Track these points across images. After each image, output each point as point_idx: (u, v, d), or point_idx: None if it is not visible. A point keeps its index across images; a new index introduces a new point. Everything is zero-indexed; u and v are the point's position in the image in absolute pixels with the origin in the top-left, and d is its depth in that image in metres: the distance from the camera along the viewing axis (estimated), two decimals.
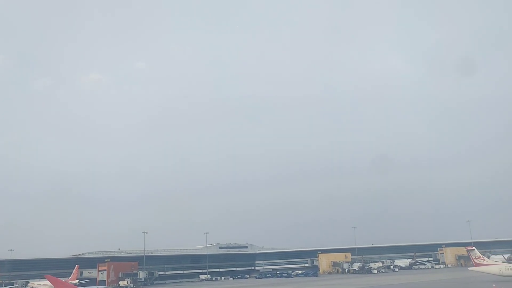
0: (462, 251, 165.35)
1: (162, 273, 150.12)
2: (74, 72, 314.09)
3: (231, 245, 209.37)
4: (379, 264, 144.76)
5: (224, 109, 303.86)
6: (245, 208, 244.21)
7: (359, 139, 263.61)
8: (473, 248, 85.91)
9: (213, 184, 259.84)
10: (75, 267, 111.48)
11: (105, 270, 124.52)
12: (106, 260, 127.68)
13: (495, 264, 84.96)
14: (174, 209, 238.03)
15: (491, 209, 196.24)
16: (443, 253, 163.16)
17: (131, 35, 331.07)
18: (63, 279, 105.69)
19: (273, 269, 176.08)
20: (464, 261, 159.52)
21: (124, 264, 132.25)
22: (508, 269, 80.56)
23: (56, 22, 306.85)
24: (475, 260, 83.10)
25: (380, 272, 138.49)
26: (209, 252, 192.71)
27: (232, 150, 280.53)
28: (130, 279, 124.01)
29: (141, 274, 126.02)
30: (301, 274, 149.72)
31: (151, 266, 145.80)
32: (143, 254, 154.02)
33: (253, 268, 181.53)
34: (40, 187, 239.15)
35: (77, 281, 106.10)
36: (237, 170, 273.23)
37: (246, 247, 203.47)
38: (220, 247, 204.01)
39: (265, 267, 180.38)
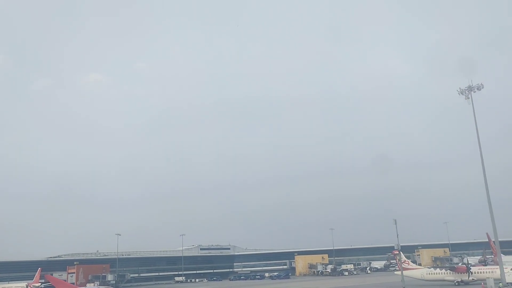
0: (438, 252, 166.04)
1: (136, 275, 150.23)
2: (74, 72, 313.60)
3: (213, 247, 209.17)
4: (351, 266, 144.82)
5: (224, 109, 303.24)
6: (247, 209, 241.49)
7: (359, 139, 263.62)
8: (399, 252, 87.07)
9: (212, 184, 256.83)
10: (38, 270, 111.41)
11: (74, 272, 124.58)
12: (75, 263, 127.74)
13: (418, 269, 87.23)
14: (173, 209, 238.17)
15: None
16: (419, 255, 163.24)
17: (132, 36, 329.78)
18: (25, 282, 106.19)
19: (251, 271, 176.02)
20: (440, 262, 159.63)
21: (94, 266, 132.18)
22: (429, 273, 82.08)
23: (56, 23, 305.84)
24: (401, 264, 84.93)
25: (351, 274, 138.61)
26: (190, 254, 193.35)
27: (232, 150, 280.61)
28: (99, 281, 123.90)
29: (109, 277, 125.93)
30: (275, 276, 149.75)
31: (124, 269, 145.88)
32: (120, 256, 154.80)
33: (231, 270, 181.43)
34: (39, 187, 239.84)
35: (39, 284, 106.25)
36: (237, 170, 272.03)
37: (229, 249, 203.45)
38: (201, 249, 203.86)
39: (243, 269, 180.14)
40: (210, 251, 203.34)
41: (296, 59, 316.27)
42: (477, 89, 67.41)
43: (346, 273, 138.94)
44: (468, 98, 67.20)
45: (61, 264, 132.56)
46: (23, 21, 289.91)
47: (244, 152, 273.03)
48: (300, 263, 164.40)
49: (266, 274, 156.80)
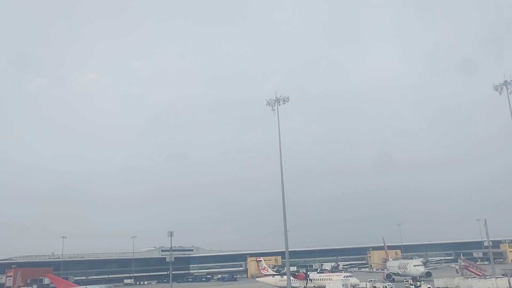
0: (390, 254, 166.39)
1: (84, 278, 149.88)
2: (71, 72, 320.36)
3: (175, 248, 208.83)
4: (294, 268, 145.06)
5: (223, 108, 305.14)
6: (246, 208, 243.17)
7: (359, 139, 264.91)
8: (261, 259, 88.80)
9: (211, 183, 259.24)
10: None
11: (11, 276, 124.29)
12: (13, 266, 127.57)
13: (274, 275, 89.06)
14: (170, 209, 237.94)
15: (490, 209, 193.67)
16: (370, 256, 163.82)
17: (128, 36, 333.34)
18: None
19: (208, 273, 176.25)
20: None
21: (34, 269, 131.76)
22: (281, 280, 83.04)
23: (53, 23, 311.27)
24: (261, 271, 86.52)
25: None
26: (151, 256, 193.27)
27: (231, 149, 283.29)
28: (37, 284, 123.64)
29: (46, 280, 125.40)
30: (221, 278, 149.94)
31: (71, 271, 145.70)
32: (67, 259, 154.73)
33: (187, 271, 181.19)
34: (37, 186, 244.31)
35: None
36: (237, 170, 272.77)
37: (192, 250, 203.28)
38: (163, 250, 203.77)
39: (199, 271, 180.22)
40: (171, 253, 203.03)
41: (296, 59, 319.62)
42: (283, 101, 68.14)
43: None
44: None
45: (1, 267, 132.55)
46: (21, 21, 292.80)
47: (242, 151, 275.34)
48: (252, 265, 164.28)
49: (217, 276, 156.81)
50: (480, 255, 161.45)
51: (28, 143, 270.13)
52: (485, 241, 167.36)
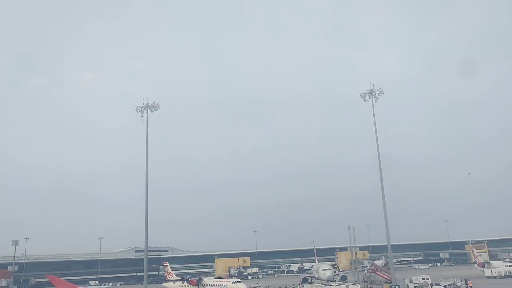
0: (358, 255, 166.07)
1: (47, 280, 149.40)
2: (70, 71, 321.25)
3: (151, 249, 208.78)
4: (255, 270, 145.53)
5: (222, 108, 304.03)
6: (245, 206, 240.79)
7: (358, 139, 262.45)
8: (167, 263, 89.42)
9: (210, 183, 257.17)
10: None
11: None
12: None
13: (173, 281, 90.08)
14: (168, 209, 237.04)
15: (489, 209, 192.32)
16: (338, 257, 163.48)
17: (128, 35, 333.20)
18: None
19: (177, 274, 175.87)
20: (358, 265, 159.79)
21: None
22: (181, 286, 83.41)
23: (51, 22, 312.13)
24: (167, 276, 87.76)
25: (255, 278, 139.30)
26: (125, 257, 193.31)
27: (230, 149, 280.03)
28: None
29: (3, 282, 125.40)
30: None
31: (35, 273, 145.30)
32: (29, 260, 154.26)
33: (157, 272, 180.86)
34: (37, 186, 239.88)
35: None
36: (237, 170, 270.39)
37: (167, 251, 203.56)
38: (136, 251, 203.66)
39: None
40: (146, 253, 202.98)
41: (296, 59, 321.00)
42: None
43: (250, 277, 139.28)
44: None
45: None
46: (19, 20, 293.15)
47: (240, 151, 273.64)
48: (220, 266, 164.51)
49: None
50: (447, 256, 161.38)
51: (26, 142, 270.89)
52: (451, 242, 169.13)
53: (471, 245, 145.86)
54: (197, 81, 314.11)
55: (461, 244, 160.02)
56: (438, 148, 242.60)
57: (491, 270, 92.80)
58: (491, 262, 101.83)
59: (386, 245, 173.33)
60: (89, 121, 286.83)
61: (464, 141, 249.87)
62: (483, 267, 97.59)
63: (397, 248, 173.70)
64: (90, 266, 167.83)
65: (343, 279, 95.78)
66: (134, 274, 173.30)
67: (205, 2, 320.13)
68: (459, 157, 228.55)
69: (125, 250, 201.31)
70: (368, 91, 74.47)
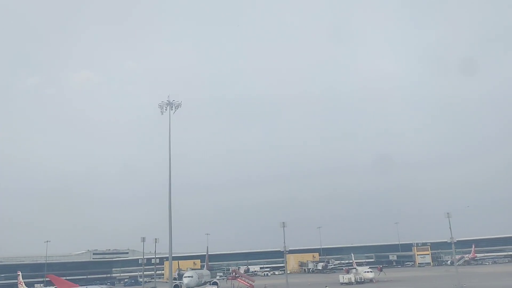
0: (306, 257, 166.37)
1: None
2: (66, 70, 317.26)
3: (109, 251, 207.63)
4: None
5: (222, 107, 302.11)
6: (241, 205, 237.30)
7: (358, 139, 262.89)
8: (19, 272, 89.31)
9: (209, 182, 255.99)
10: None
11: None
12: None
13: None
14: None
15: (490, 209, 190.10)
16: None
17: (125, 34, 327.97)
18: None
19: (130, 276, 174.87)
20: (306, 267, 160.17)
21: None
22: None
23: (48, 22, 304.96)
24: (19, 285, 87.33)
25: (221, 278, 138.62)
26: (81, 259, 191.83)
27: (229, 148, 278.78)
28: None
29: None
30: (126, 282, 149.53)
31: None
32: None
33: (109, 275, 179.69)
34: (35, 185, 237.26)
35: None
36: (236, 168, 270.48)
37: (127, 253, 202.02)
38: (94, 254, 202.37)
39: (121, 274, 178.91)
40: (104, 256, 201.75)
41: (297, 58, 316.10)
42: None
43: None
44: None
45: None
46: (14, 19, 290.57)
47: (240, 150, 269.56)
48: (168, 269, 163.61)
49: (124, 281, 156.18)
50: (395, 258, 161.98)
51: (22, 141, 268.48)
52: (400, 244, 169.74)
53: (415, 247, 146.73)
54: (197, 80, 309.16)
55: (409, 246, 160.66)
56: (438, 148, 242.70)
57: (343, 277, 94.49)
58: (357, 268, 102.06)
59: (338, 247, 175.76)
60: (88, 118, 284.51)
61: (464, 141, 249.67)
62: (348, 273, 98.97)
63: (350, 250, 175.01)
64: (36, 269, 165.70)
65: (214, 284, 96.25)
66: (84, 277, 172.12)
67: (205, 2, 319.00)
68: (459, 157, 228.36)
69: (83, 252, 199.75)
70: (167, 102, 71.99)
